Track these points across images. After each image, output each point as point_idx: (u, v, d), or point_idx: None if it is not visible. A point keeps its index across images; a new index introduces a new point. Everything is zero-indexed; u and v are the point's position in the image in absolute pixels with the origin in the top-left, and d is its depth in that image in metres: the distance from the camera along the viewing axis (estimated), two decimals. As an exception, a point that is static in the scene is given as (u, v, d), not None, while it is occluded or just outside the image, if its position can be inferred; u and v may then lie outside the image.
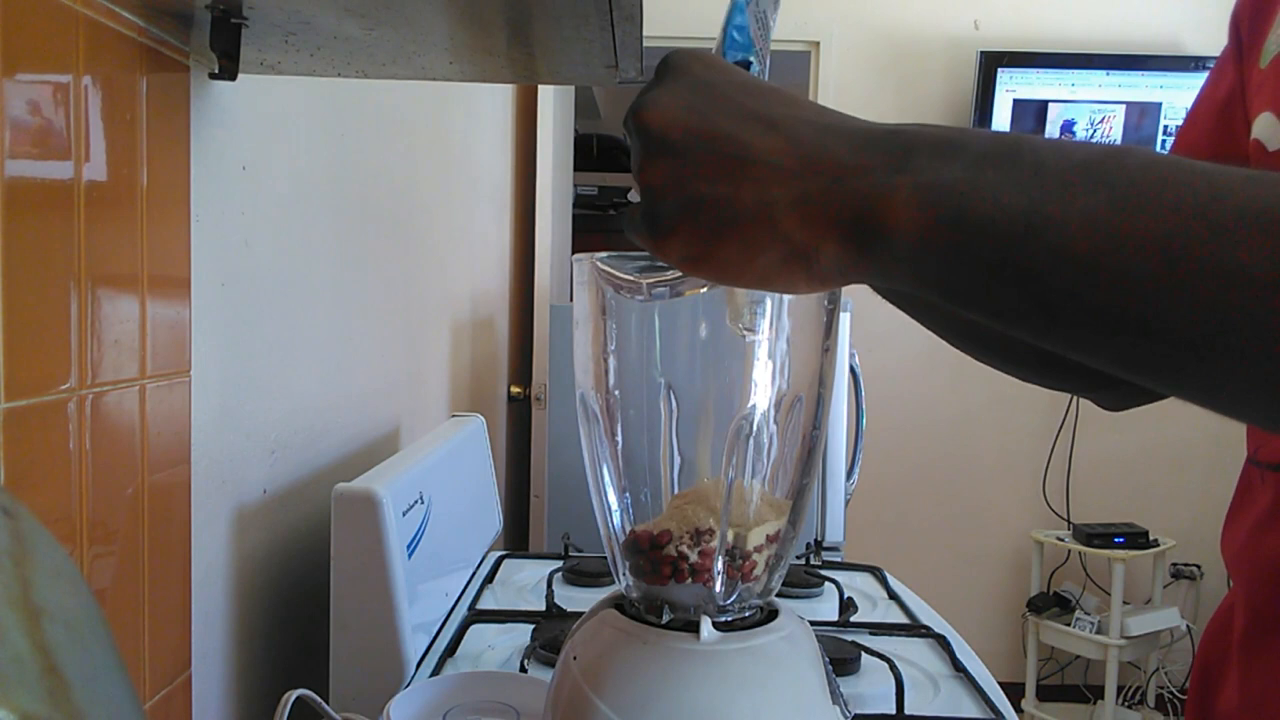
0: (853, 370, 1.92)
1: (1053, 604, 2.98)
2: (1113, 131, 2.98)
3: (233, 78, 0.64)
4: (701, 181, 0.37)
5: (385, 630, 0.84)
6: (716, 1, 0.49)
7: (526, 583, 1.22)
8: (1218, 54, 0.71)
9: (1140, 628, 2.78)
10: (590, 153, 3.55)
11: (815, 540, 1.52)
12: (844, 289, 0.53)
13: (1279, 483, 0.62)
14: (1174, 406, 0.49)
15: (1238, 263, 0.29)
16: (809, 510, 0.62)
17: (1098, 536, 2.86)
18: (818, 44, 3.11)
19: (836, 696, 0.53)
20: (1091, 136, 2.97)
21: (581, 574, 1.21)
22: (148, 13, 0.59)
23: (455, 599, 1.08)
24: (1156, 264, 0.30)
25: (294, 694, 0.68)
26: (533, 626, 1.00)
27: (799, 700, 0.51)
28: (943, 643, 1.01)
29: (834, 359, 0.56)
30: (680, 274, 0.48)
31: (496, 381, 2.20)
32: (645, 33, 0.61)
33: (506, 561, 1.30)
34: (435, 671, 0.90)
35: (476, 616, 1.03)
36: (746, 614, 0.54)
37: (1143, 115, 2.98)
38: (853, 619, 1.05)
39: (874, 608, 1.16)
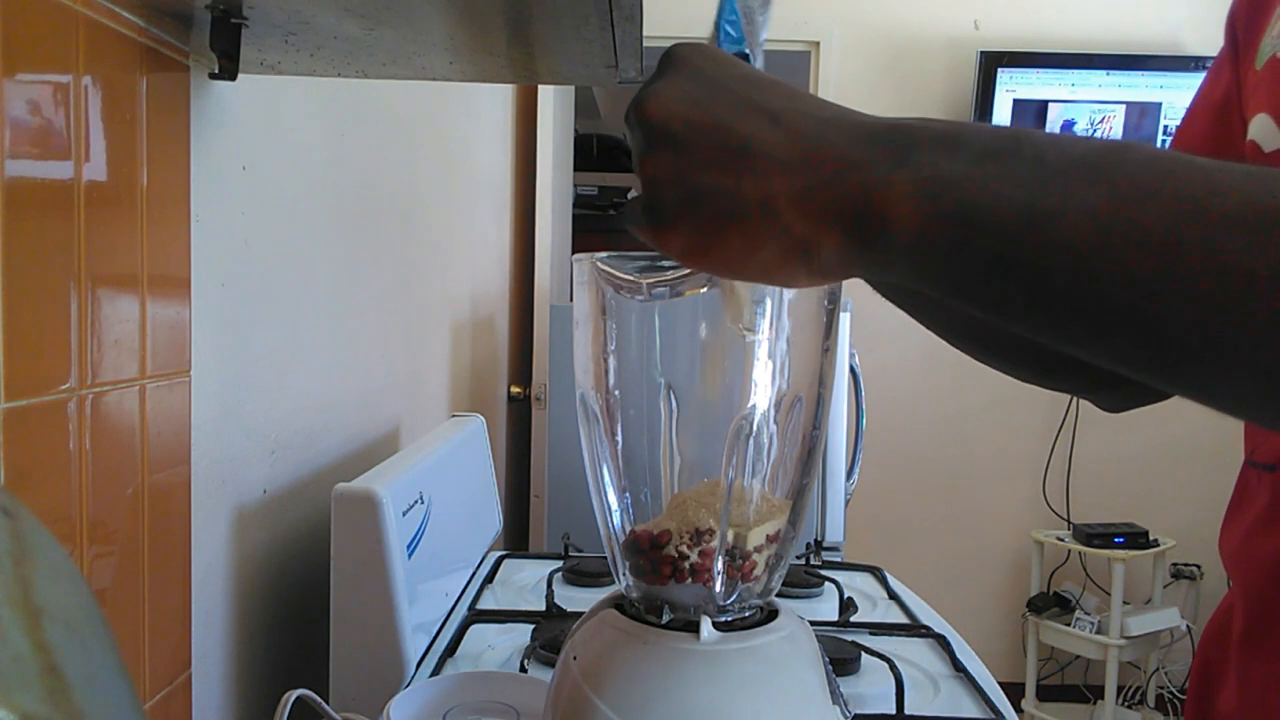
0: (853, 370, 1.92)
1: (1053, 604, 2.98)
2: (1112, 131, 2.98)
3: (233, 78, 0.64)
4: (703, 173, 0.37)
5: (385, 630, 0.84)
6: (716, 2, 0.49)
7: (526, 583, 1.22)
8: (1217, 54, 0.71)
9: (1140, 628, 2.78)
10: (590, 153, 3.55)
11: (815, 540, 1.52)
12: (844, 288, 0.54)
13: (1275, 483, 0.62)
14: (1174, 406, 0.49)
15: (1235, 259, 0.29)
16: (809, 510, 0.62)
17: (1098, 536, 2.86)
18: (818, 44, 3.11)
19: (836, 696, 0.53)
20: (1092, 136, 2.97)
21: (581, 574, 1.21)
22: (148, 13, 0.59)
23: (455, 599, 1.08)
24: (1154, 259, 0.30)
25: (294, 694, 0.68)
26: (533, 626, 1.00)
27: (799, 700, 0.51)
28: (943, 643, 1.01)
29: (834, 359, 0.56)
30: (680, 274, 0.48)
31: (496, 381, 2.20)
32: (645, 33, 0.61)
33: (506, 561, 1.30)
34: (435, 671, 0.90)
35: (476, 616, 1.03)
36: (746, 614, 0.54)
37: (1143, 115, 2.98)
38: (853, 619, 1.05)
39: (874, 608, 1.16)
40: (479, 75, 0.73)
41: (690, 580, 0.53)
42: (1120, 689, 2.94)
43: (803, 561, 1.32)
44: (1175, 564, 3.07)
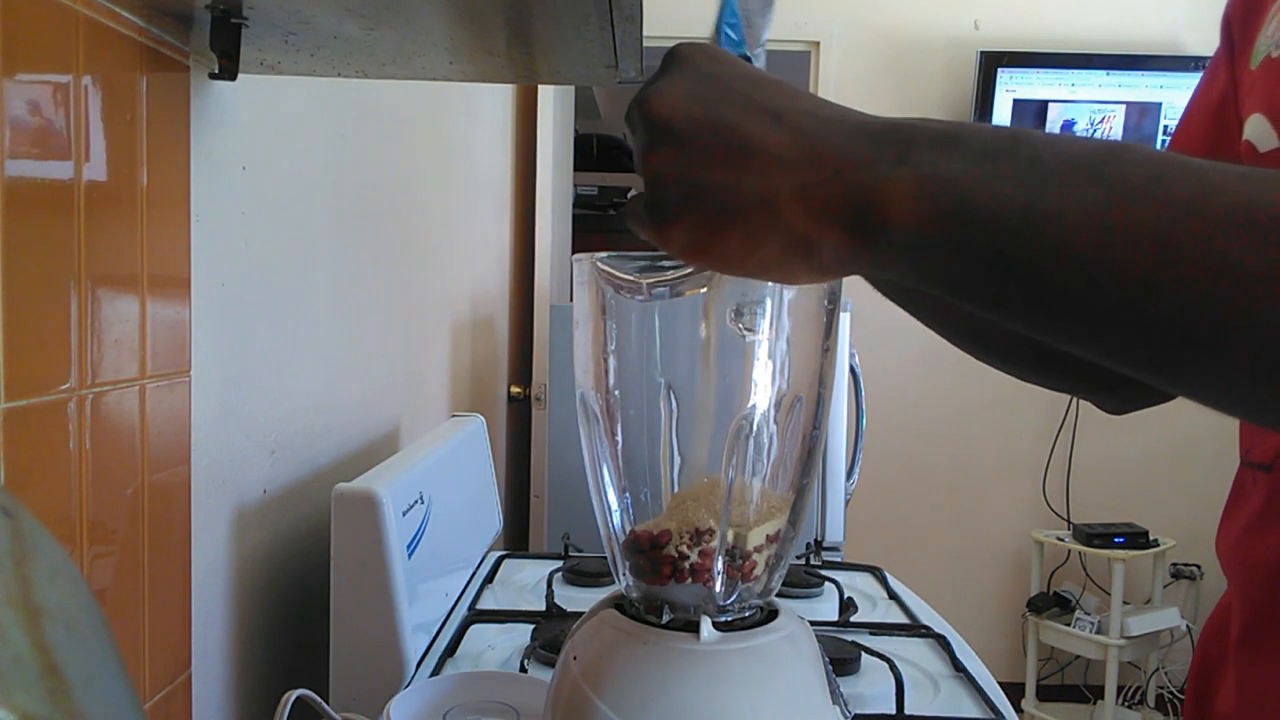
0: (853, 370, 1.92)
1: (1053, 604, 2.98)
2: (1113, 131, 2.98)
3: (233, 78, 0.64)
4: (705, 170, 0.37)
5: (385, 630, 0.84)
6: (716, 2, 0.49)
7: (526, 583, 1.22)
8: (1213, 54, 0.71)
9: (1140, 628, 2.78)
10: (590, 153, 3.55)
11: (815, 540, 1.52)
12: (844, 288, 0.54)
13: (1270, 483, 0.62)
14: (1174, 406, 0.49)
15: (1230, 258, 0.30)
16: (809, 510, 0.62)
17: (1098, 536, 2.86)
18: (818, 44, 3.10)
19: (836, 696, 0.53)
20: (1092, 136, 2.97)
21: (581, 574, 1.21)
22: (148, 13, 0.59)
23: (455, 599, 1.08)
24: (1149, 258, 0.31)
25: (294, 694, 0.68)
26: (533, 626, 1.00)
27: (799, 700, 0.51)
28: (943, 643, 1.01)
29: (834, 359, 0.56)
30: (680, 274, 0.48)
31: (496, 381, 2.20)
32: (645, 33, 0.61)
33: (506, 561, 1.30)
34: (435, 671, 0.90)
35: (476, 616, 1.03)
36: (746, 614, 0.54)
37: (1143, 115, 2.98)
38: (853, 619, 1.05)
39: (874, 608, 1.16)
40: (479, 75, 0.73)
41: (690, 580, 0.53)
42: (1120, 689, 2.94)
43: (803, 561, 1.32)
44: (1175, 564, 3.07)
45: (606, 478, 0.56)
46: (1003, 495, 3.22)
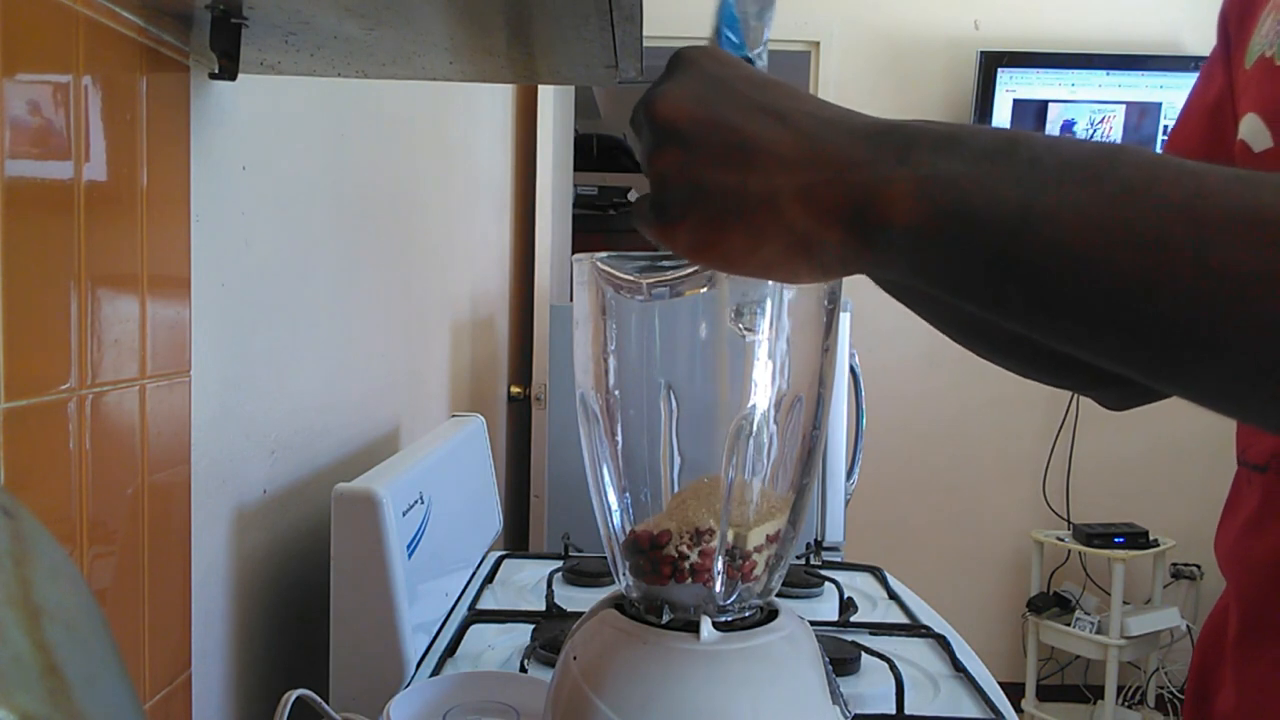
0: (853, 370, 1.92)
1: (1053, 604, 2.97)
2: (1113, 132, 2.98)
3: (233, 78, 0.64)
4: (709, 171, 0.38)
5: (385, 630, 0.84)
6: (715, 2, 0.49)
7: (526, 583, 1.22)
8: (1210, 53, 0.70)
9: (1140, 628, 2.78)
10: (590, 153, 3.56)
11: (815, 540, 1.52)
12: (844, 289, 0.54)
13: (1265, 484, 0.62)
14: (1174, 406, 0.49)
15: (1223, 259, 0.30)
16: (809, 510, 0.62)
17: (1098, 536, 2.86)
18: (818, 44, 3.10)
19: (836, 696, 0.53)
20: (1091, 136, 2.97)
21: (581, 574, 1.21)
22: (148, 13, 0.59)
23: (455, 599, 1.08)
24: (1145, 259, 0.31)
25: (294, 694, 0.68)
26: (533, 626, 1.00)
27: (799, 700, 0.51)
28: (943, 643, 1.01)
29: (834, 359, 0.56)
30: (680, 274, 0.48)
31: (496, 381, 2.20)
32: (645, 33, 0.61)
33: (506, 561, 1.30)
34: (435, 671, 0.90)
35: (476, 616, 1.03)
36: (746, 614, 0.54)
37: (1143, 115, 2.98)
38: (853, 619, 1.05)
39: (874, 608, 1.16)
40: (479, 75, 0.73)
41: (690, 580, 0.53)
42: (1120, 689, 2.93)
43: (803, 561, 1.32)
44: (1175, 564, 3.07)
45: (606, 478, 0.56)
46: (1003, 495, 3.22)
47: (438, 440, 1.13)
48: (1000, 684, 0.93)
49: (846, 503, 1.89)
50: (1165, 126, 2.94)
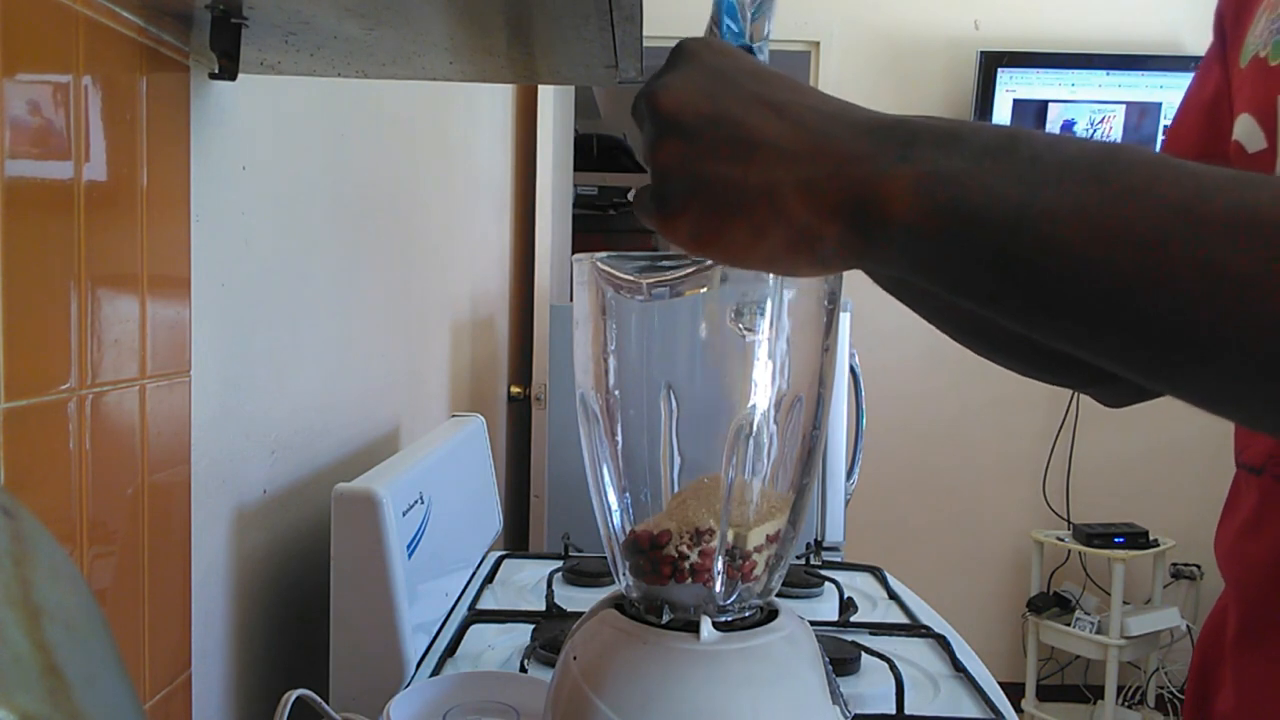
0: (853, 370, 1.92)
1: (1053, 604, 2.97)
2: (1113, 131, 2.98)
3: (233, 78, 0.64)
4: (710, 163, 0.38)
5: (385, 630, 0.84)
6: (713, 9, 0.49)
7: (526, 583, 1.22)
8: (1206, 51, 0.70)
9: (1140, 628, 2.78)
10: (590, 153, 3.55)
11: (815, 540, 1.52)
12: (844, 289, 0.54)
13: (1262, 486, 0.62)
14: (1174, 406, 0.49)
15: (1221, 260, 0.30)
16: (809, 510, 0.62)
17: (1098, 536, 2.86)
18: (818, 44, 3.10)
19: (836, 696, 0.53)
20: (1091, 136, 2.97)
21: (581, 574, 1.21)
22: (148, 13, 0.59)
23: (455, 599, 1.08)
24: (1143, 259, 0.31)
25: (294, 694, 0.68)
26: (533, 626, 1.00)
27: (799, 700, 0.51)
28: (943, 643, 1.01)
29: (834, 359, 0.56)
30: (681, 274, 0.48)
31: (496, 381, 2.20)
32: (645, 33, 0.61)
33: (506, 561, 1.30)
34: (435, 671, 0.90)
35: (476, 616, 1.03)
36: (746, 614, 0.54)
37: (1143, 115, 2.98)
38: (853, 619, 1.05)
39: (874, 608, 1.16)
40: (479, 75, 0.73)
41: (690, 580, 0.53)
42: (1120, 689, 2.93)
43: (803, 561, 1.32)
44: (1175, 564, 3.07)
45: (606, 478, 0.56)
46: (1003, 495, 3.22)
47: (438, 440, 1.13)
48: (1000, 684, 0.93)
49: (846, 503, 1.89)
50: (1165, 126, 2.94)
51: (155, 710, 0.64)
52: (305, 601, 0.92)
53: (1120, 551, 2.82)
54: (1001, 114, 2.99)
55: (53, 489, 0.52)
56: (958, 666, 0.96)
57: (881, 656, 0.90)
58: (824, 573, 1.24)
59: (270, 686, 0.85)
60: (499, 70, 0.71)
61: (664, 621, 0.52)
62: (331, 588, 0.84)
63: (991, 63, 2.98)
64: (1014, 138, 0.35)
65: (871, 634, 1.02)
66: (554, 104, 2.37)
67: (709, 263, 0.47)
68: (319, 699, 0.71)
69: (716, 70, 0.40)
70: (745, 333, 0.51)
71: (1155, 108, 2.96)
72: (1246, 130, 0.61)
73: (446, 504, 1.05)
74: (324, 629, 0.85)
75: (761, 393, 0.52)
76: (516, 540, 2.28)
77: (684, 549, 0.52)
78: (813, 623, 0.57)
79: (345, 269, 1.05)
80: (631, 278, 0.50)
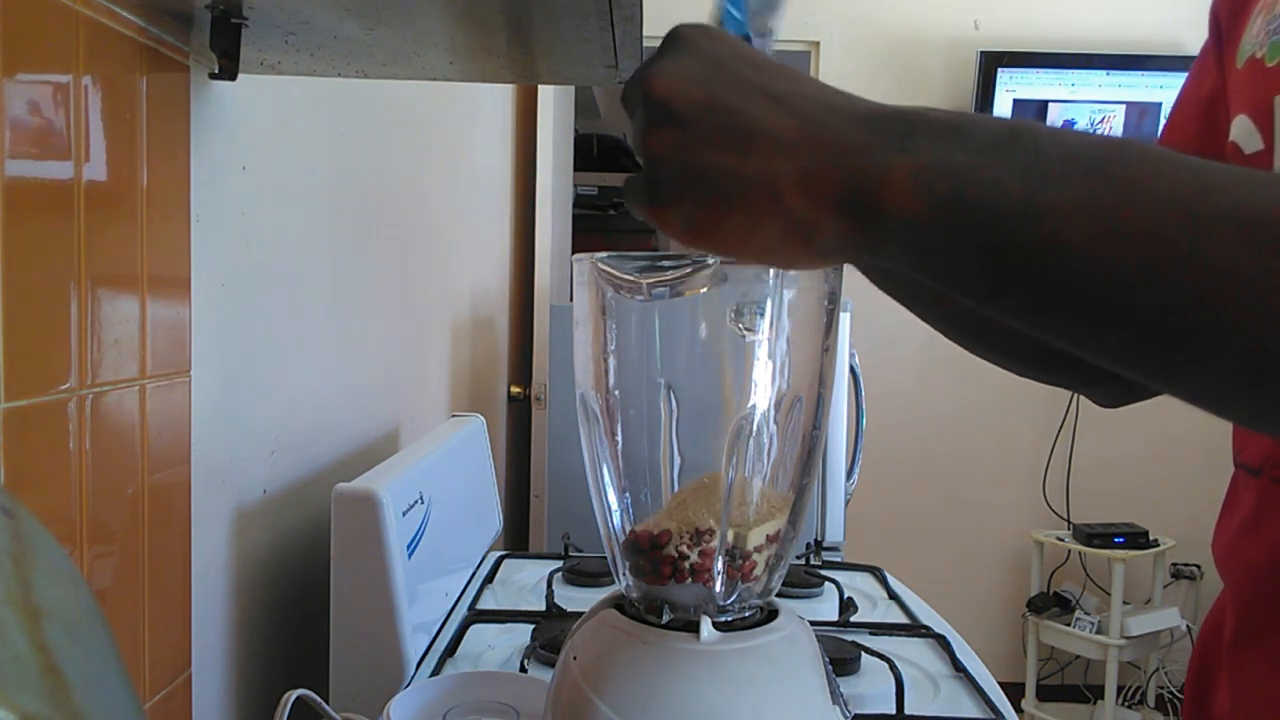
0: (853, 370, 1.92)
1: (1053, 604, 2.97)
2: (1112, 131, 2.98)
3: (233, 78, 0.64)
4: (705, 152, 0.37)
5: (385, 630, 0.84)
6: (714, 5, 0.49)
7: (526, 583, 1.22)
8: (1201, 48, 0.70)
9: (1140, 628, 2.78)
10: (590, 153, 3.55)
11: (815, 540, 1.52)
12: (844, 289, 0.54)
13: (1260, 487, 0.62)
14: (1174, 406, 0.49)
15: (1224, 259, 0.30)
16: (809, 510, 0.62)
17: (1098, 536, 2.86)
18: (818, 44, 3.11)
19: (836, 696, 0.53)
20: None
21: (581, 574, 1.21)
22: (148, 13, 0.59)
23: (455, 599, 1.08)
24: (1145, 256, 0.31)
25: (294, 694, 0.68)
26: (533, 626, 1.00)
27: (799, 700, 0.51)
28: (943, 643, 1.01)
29: (834, 359, 0.56)
30: (680, 273, 0.48)
31: (496, 381, 2.20)
32: (645, 33, 0.61)
33: (506, 561, 1.30)
34: (435, 671, 0.90)
35: (476, 616, 1.03)
36: (746, 614, 0.54)
37: (1143, 115, 2.98)
38: (853, 619, 1.05)
39: (874, 608, 1.16)
40: (479, 75, 0.73)
41: (690, 580, 0.53)
42: (1120, 689, 2.93)
43: (803, 561, 1.32)
44: (1175, 564, 3.07)
45: (606, 478, 0.56)
46: (1003, 495, 3.22)
47: (438, 440, 1.13)
48: (1000, 684, 0.93)
49: (846, 503, 1.89)
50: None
51: (155, 710, 0.64)
52: (305, 601, 0.92)
53: (1120, 551, 2.82)
54: (1001, 114, 2.99)
55: (53, 489, 0.52)
56: (958, 666, 0.96)
57: (881, 656, 0.90)
58: (824, 573, 1.24)
59: (270, 686, 0.85)
60: (499, 70, 0.71)
61: (664, 621, 0.52)
62: (331, 588, 0.84)
63: (991, 63, 2.99)
64: (1016, 130, 0.34)
65: (871, 634, 1.02)
66: (554, 104, 2.37)
67: (709, 262, 0.47)
68: (319, 699, 0.71)
69: (713, 57, 0.39)
70: (745, 333, 0.51)
71: (1155, 108, 2.96)
72: (1243, 131, 0.61)
73: (446, 504, 1.05)
74: (324, 629, 0.85)
75: (761, 393, 0.52)
76: (516, 540, 2.28)
77: (684, 549, 0.52)
78: (813, 623, 0.57)
79: (345, 269, 1.05)
80: (631, 278, 0.50)
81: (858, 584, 1.25)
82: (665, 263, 0.49)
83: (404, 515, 0.89)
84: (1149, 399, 0.60)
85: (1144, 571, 3.01)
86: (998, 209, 0.33)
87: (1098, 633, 2.82)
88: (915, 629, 1.06)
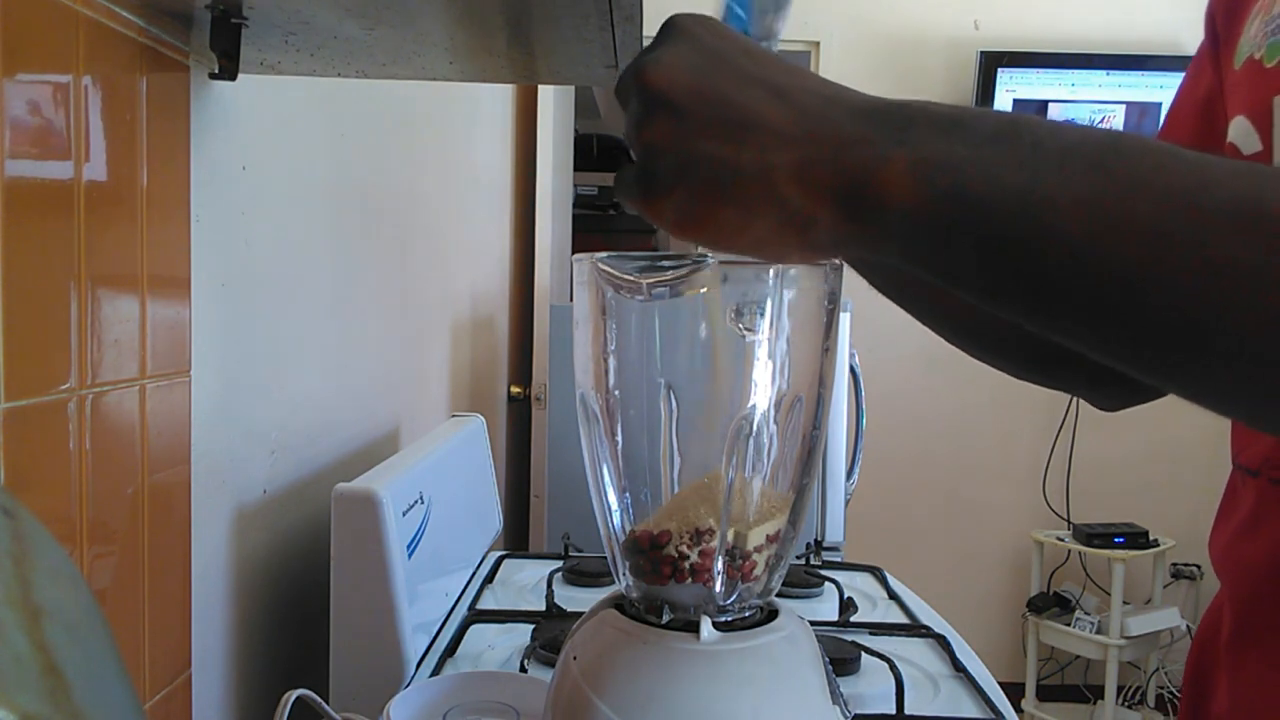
0: (853, 370, 1.92)
1: (1053, 604, 2.97)
2: (1113, 131, 2.98)
3: (233, 78, 0.64)
4: (701, 142, 0.37)
5: (385, 630, 0.84)
6: (717, 3, 0.49)
7: (526, 583, 1.22)
8: (1197, 49, 0.69)
9: (1140, 628, 2.78)
10: (590, 153, 3.55)
11: (815, 540, 1.52)
12: (844, 289, 0.54)
13: (1259, 488, 0.62)
14: (1173, 406, 0.49)
15: (1222, 253, 0.30)
16: (809, 510, 0.62)
17: (1098, 536, 2.86)
18: (818, 44, 3.11)
19: (836, 696, 0.53)
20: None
21: (581, 574, 1.21)
22: (148, 13, 0.59)
23: (455, 599, 1.08)
24: (1143, 250, 0.31)
25: (294, 694, 0.68)
26: (533, 626, 1.00)
27: (799, 700, 0.51)
28: (943, 643, 1.01)
29: (834, 359, 0.56)
30: (680, 273, 0.48)
31: (496, 381, 2.20)
32: (645, 33, 0.61)
33: (506, 561, 1.30)
34: (435, 671, 0.90)
35: (476, 616, 1.03)
36: (746, 614, 0.54)
37: (1143, 115, 2.98)
38: (853, 619, 1.05)
39: (874, 608, 1.16)
40: (479, 75, 0.73)
41: (690, 580, 0.53)
42: (1120, 689, 2.94)
43: (803, 561, 1.32)
44: (1175, 564, 3.07)
45: (606, 478, 0.56)
46: (1003, 495, 3.22)
47: (438, 440, 1.13)
48: (1000, 684, 0.93)
49: (846, 503, 1.89)
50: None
51: (155, 710, 0.64)
52: (305, 601, 0.92)
53: (1120, 551, 2.82)
54: (1001, 114, 3.00)
55: (53, 489, 0.52)
56: (958, 666, 0.96)
57: (881, 656, 0.90)
58: (824, 573, 1.24)
59: (270, 686, 0.85)
60: (499, 70, 0.71)
61: (664, 621, 0.52)
62: (331, 588, 0.84)
63: (991, 63, 2.99)
64: (1015, 124, 0.34)
65: (871, 634, 1.02)
66: (554, 104, 2.37)
67: (709, 262, 0.47)
68: (319, 699, 0.71)
69: (710, 47, 0.38)
70: (745, 333, 0.51)
71: (1155, 108, 2.96)
72: (1241, 132, 0.61)
73: (446, 504, 1.05)
74: (324, 629, 0.85)
75: (761, 393, 0.52)
76: (516, 540, 2.28)
77: (684, 549, 0.52)
78: (813, 623, 0.57)
79: (345, 269, 1.05)
80: (631, 278, 0.50)
81: (858, 584, 1.25)
82: (665, 263, 0.49)
83: (404, 515, 0.89)
84: (1148, 402, 0.60)
85: (1144, 571, 3.01)
86: (997, 202, 0.33)
87: (1098, 633, 2.82)
88: (915, 629, 1.06)
